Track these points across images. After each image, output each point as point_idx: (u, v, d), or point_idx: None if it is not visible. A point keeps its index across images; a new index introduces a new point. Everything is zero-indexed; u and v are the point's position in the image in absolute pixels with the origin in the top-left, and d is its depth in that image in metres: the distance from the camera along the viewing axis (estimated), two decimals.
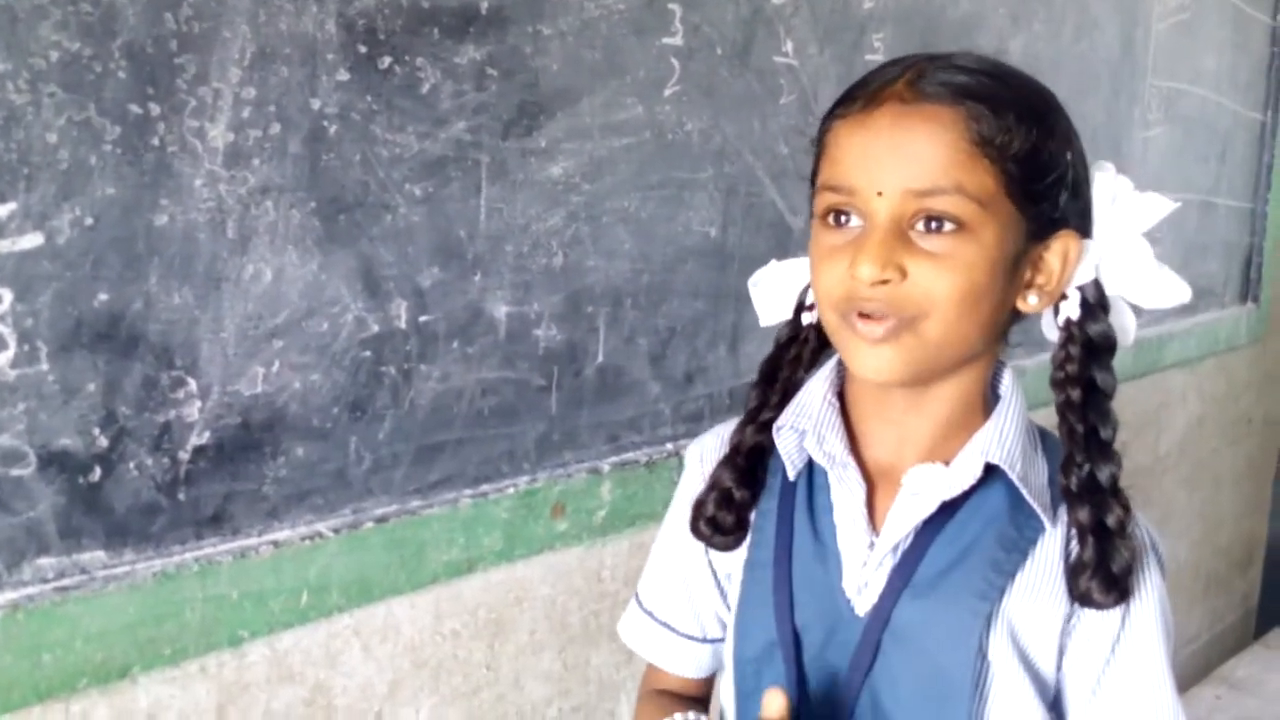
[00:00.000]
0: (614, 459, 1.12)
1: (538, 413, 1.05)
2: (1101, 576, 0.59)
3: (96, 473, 0.77)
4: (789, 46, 1.21)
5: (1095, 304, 0.62)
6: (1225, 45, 2.12)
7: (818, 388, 0.65)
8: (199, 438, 0.82)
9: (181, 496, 0.82)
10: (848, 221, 0.59)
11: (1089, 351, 0.62)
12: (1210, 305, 2.22)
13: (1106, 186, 0.62)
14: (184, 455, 0.81)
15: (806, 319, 0.67)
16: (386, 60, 0.88)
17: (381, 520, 0.94)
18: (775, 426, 0.64)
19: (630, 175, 1.08)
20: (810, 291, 0.67)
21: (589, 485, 1.10)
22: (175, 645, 0.82)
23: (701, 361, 1.20)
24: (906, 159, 0.57)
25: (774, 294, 0.70)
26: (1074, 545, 0.61)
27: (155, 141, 0.76)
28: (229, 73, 0.78)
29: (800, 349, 0.67)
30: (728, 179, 1.18)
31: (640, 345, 1.13)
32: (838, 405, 0.65)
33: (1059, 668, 0.62)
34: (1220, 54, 2.10)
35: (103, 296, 0.76)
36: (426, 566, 0.98)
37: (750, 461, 0.66)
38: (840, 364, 0.66)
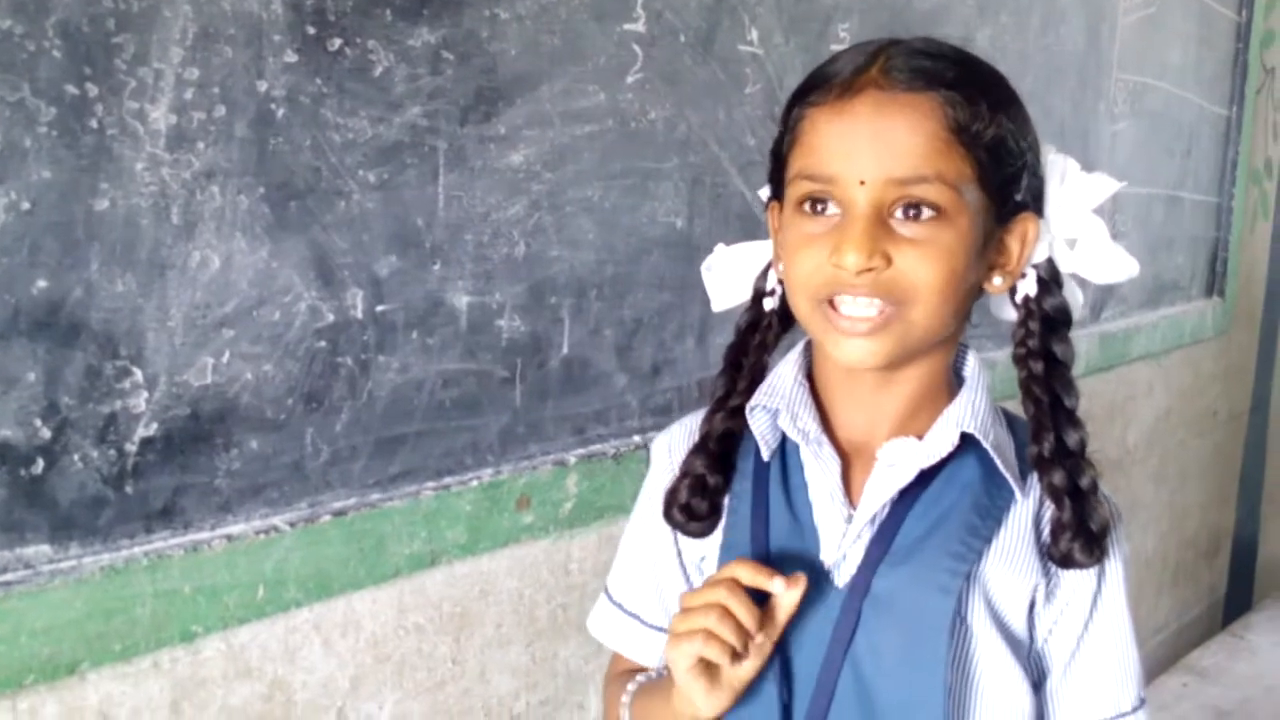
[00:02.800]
0: (580, 451, 1.11)
1: (501, 404, 1.04)
2: (1083, 537, 0.61)
3: (39, 465, 0.75)
4: (754, 35, 1.21)
5: (1050, 280, 0.64)
6: (1191, 40, 2.14)
7: (787, 370, 0.66)
8: (146, 429, 0.80)
9: (129, 489, 0.80)
10: (825, 210, 0.60)
11: (1047, 325, 0.64)
12: (1176, 299, 2.25)
13: (1055, 167, 0.64)
14: (131, 447, 0.79)
15: (768, 304, 0.68)
16: (336, 42, 0.86)
17: (340, 513, 0.92)
18: (748, 407, 0.65)
19: (593, 164, 1.07)
20: (769, 276, 0.68)
21: (555, 478, 1.09)
22: (126, 641, 0.80)
23: (669, 353, 1.19)
24: (887, 147, 0.58)
25: (727, 279, 0.70)
26: (1047, 512, 0.63)
27: (93, 124, 0.74)
28: (170, 53, 0.77)
29: (764, 334, 0.68)
30: (693, 169, 1.17)
31: (606, 336, 1.12)
32: (808, 386, 0.66)
33: (1031, 636, 0.64)
34: (1186, 49, 2.13)
35: (41, 284, 0.74)
36: (388, 560, 0.97)
37: (722, 447, 0.66)
38: (808, 346, 0.67)
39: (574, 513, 1.11)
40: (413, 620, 1.01)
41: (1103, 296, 1.98)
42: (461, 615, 1.05)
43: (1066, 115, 1.79)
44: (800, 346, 0.67)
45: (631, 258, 1.13)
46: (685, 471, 0.67)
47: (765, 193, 0.68)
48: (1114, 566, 0.64)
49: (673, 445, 0.70)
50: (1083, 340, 1.92)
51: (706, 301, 0.73)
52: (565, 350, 1.09)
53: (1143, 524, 2.27)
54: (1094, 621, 0.64)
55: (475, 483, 1.02)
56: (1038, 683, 0.65)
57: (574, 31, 1.03)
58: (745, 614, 0.58)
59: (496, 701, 1.09)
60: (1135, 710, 0.65)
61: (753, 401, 0.65)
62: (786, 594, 0.59)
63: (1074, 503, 0.61)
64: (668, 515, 0.67)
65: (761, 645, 0.59)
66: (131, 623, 0.80)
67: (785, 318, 0.67)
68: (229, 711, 0.87)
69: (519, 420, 1.06)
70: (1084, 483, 0.61)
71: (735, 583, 0.59)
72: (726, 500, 0.66)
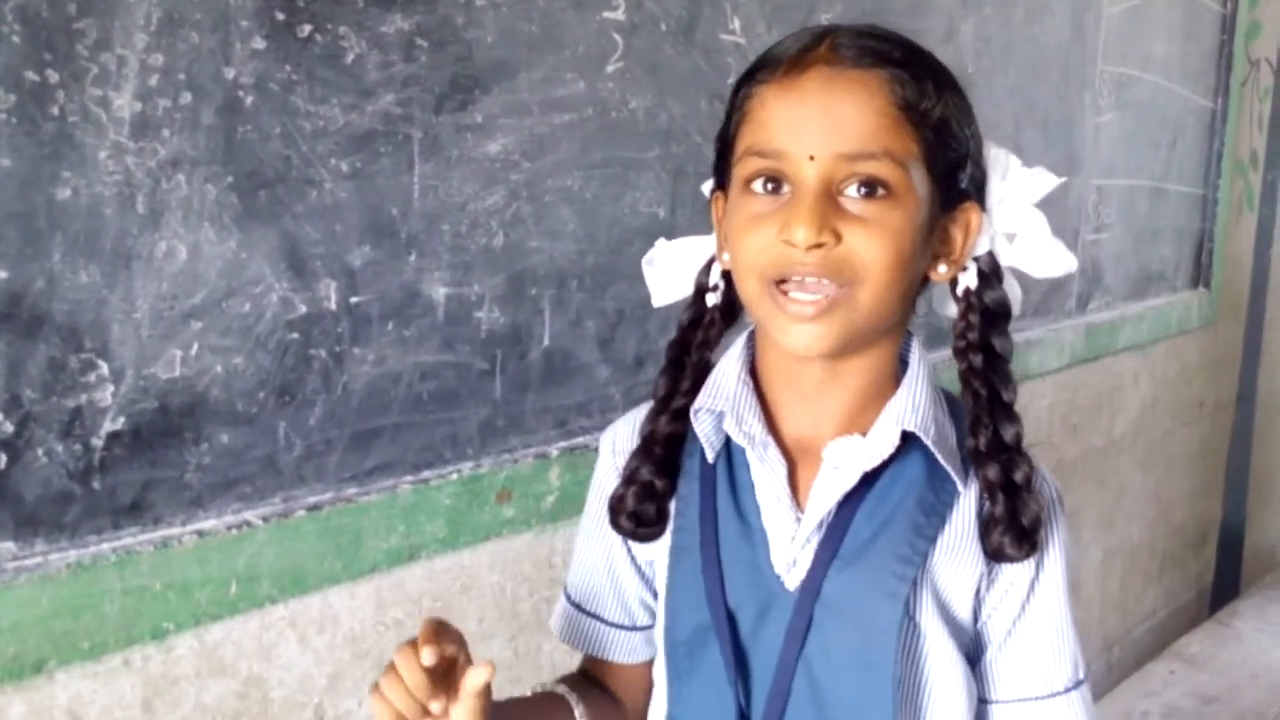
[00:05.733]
0: (562, 443, 1.10)
1: (481, 397, 1.03)
2: (1013, 531, 0.60)
3: (1, 460, 0.74)
4: (736, 24, 1.20)
5: (991, 273, 0.64)
6: (1176, 32, 2.14)
7: (730, 367, 0.65)
8: (113, 423, 0.79)
9: (96, 485, 0.79)
10: (775, 189, 0.59)
11: (987, 318, 0.63)
12: (1162, 290, 2.25)
13: (997, 161, 0.63)
14: (97, 442, 0.78)
15: (711, 300, 0.66)
16: (306, 28, 0.85)
17: (315, 508, 0.91)
18: (692, 410, 0.64)
19: (573, 154, 1.06)
20: (713, 271, 0.66)
21: (536, 470, 1.08)
22: (94, 639, 0.79)
23: (652, 345, 1.18)
24: (836, 122, 0.57)
25: (668, 273, 0.68)
26: (986, 503, 0.62)
27: (55, 111, 0.72)
28: (134, 38, 0.75)
29: (707, 331, 0.66)
30: (675, 159, 1.16)
31: (588, 328, 1.11)
32: (752, 384, 0.64)
33: (976, 617, 0.64)
34: (1171, 41, 2.12)
35: (1, 274, 0.72)
36: (365, 555, 0.95)
37: (666, 450, 0.65)
38: (750, 341, 0.66)
39: (556, 506, 1.10)
40: (391, 616, 1.00)
41: (1089, 288, 1.98)
42: (442, 610, 1.04)
43: (1051, 107, 1.78)
44: (741, 340, 0.66)
45: (613, 248, 1.12)
46: (630, 477, 0.65)
47: (708, 186, 0.66)
48: (1053, 552, 0.64)
49: (618, 442, 0.69)
50: (1068, 331, 1.92)
51: None
52: (546, 342, 1.08)
53: (1129, 513, 2.27)
54: (1030, 605, 0.64)
55: (455, 476, 1.01)
56: (974, 659, 0.65)
57: (552, 19, 1.02)
58: (412, 681, 0.57)
59: None
60: (1069, 690, 0.65)
61: (696, 404, 0.63)
62: (469, 676, 0.57)
63: (1007, 497, 0.60)
64: (615, 524, 0.65)
65: (446, 714, 0.58)
66: (100, 620, 0.79)
67: (728, 314, 0.66)
68: (203, 709, 0.86)
69: (499, 413, 1.05)
70: (1018, 477, 0.61)
71: (413, 648, 0.57)
72: (673, 503, 0.65)
